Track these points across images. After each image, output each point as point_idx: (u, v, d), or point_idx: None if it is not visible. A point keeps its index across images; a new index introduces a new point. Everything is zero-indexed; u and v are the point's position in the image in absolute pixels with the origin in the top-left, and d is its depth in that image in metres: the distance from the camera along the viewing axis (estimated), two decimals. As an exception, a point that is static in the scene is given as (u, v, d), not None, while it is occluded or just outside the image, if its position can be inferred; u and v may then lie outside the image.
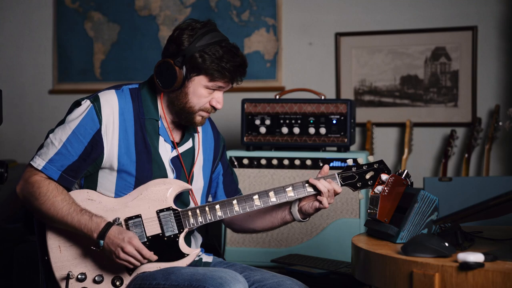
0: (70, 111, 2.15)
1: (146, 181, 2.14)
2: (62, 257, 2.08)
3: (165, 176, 2.17)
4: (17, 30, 4.47)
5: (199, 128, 2.31)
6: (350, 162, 2.21)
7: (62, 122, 2.14)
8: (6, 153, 4.34)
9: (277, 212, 2.27)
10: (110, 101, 2.13)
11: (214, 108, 2.17)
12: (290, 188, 2.18)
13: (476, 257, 1.61)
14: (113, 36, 4.30)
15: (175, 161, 2.20)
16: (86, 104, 2.12)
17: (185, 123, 2.20)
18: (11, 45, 4.49)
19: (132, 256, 2.01)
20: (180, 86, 2.12)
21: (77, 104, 2.14)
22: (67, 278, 2.04)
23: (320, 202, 2.15)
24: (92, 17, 4.33)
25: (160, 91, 2.18)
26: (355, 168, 2.19)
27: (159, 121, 2.18)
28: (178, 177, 2.19)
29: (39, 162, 2.09)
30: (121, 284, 2.07)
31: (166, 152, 2.19)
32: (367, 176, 2.18)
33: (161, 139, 2.18)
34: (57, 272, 2.08)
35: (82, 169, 2.11)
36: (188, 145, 2.25)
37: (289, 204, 2.24)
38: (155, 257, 2.05)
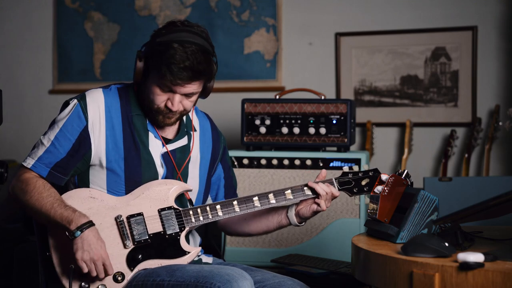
0: (60, 111, 2.19)
1: (136, 176, 2.15)
2: (64, 252, 2.08)
3: (155, 171, 2.18)
4: (17, 30, 4.47)
5: (197, 127, 2.32)
6: (345, 169, 2.26)
7: (52, 123, 2.19)
8: (6, 153, 4.34)
9: (273, 216, 2.28)
10: (96, 99, 2.16)
11: (170, 110, 2.12)
12: (289, 191, 2.21)
13: (476, 257, 1.61)
14: (113, 36, 4.30)
15: (166, 157, 2.21)
16: (73, 103, 2.16)
17: (153, 120, 2.18)
18: (11, 45, 4.49)
19: (97, 267, 2.02)
20: (139, 79, 2.13)
21: (66, 104, 2.19)
22: (70, 271, 2.04)
23: (318, 204, 2.19)
24: (92, 17, 4.33)
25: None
26: (351, 174, 2.24)
27: (147, 118, 2.20)
28: (169, 172, 2.20)
29: (29, 161, 2.13)
30: (123, 279, 2.08)
31: (157, 147, 2.20)
32: (363, 183, 2.22)
33: (150, 134, 2.20)
34: (58, 267, 2.08)
35: (71, 165, 2.13)
36: (182, 142, 2.25)
37: (285, 208, 2.26)
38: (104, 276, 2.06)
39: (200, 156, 2.30)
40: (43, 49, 4.43)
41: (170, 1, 4.21)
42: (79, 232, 2.01)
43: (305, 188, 2.21)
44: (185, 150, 2.26)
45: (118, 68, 4.29)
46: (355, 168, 2.26)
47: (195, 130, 2.31)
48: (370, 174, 2.23)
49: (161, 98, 2.11)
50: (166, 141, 2.22)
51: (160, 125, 2.19)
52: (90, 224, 2.03)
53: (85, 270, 2.01)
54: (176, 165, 2.22)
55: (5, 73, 4.48)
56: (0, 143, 4.40)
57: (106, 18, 4.31)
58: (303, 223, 2.26)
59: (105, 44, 4.31)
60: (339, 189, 2.22)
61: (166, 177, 2.20)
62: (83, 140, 2.13)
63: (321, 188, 2.18)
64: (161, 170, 2.19)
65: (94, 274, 2.02)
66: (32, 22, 4.45)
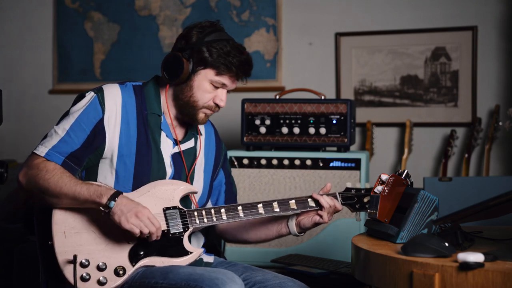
0: (74, 103, 2.19)
1: (144, 173, 2.16)
2: (67, 242, 2.08)
3: (163, 170, 2.19)
4: (17, 30, 4.47)
5: (202, 131, 2.34)
6: (349, 184, 2.30)
7: (66, 114, 2.18)
8: (6, 153, 4.34)
9: (273, 225, 2.31)
10: (113, 93, 2.17)
11: (218, 106, 2.20)
12: (293, 201, 2.24)
13: (476, 257, 1.61)
14: (113, 36, 4.30)
15: (175, 157, 2.23)
16: (90, 95, 2.16)
17: (187, 119, 2.23)
18: (11, 45, 4.49)
19: (143, 222, 2.01)
20: (186, 78, 2.16)
21: (81, 96, 2.18)
22: (74, 260, 2.03)
23: (321, 216, 2.22)
24: (92, 17, 4.33)
25: (165, 86, 2.22)
26: (354, 190, 2.27)
27: (162, 116, 2.22)
28: (177, 173, 2.22)
29: (42, 150, 2.11)
30: (124, 273, 2.08)
31: (167, 147, 2.22)
32: (365, 200, 2.25)
33: (163, 134, 2.21)
34: (60, 256, 2.07)
35: (84, 156, 2.13)
36: (189, 144, 2.27)
37: (286, 217, 2.28)
38: (160, 232, 2.06)
39: (205, 159, 2.33)
40: (43, 49, 4.43)
41: (170, 1, 4.21)
42: (113, 202, 2.01)
43: (309, 199, 2.24)
44: (192, 153, 2.28)
45: (118, 68, 4.29)
46: (358, 184, 2.31)
47: (201, 134, 2.33)
48: None
49: (210, 95, 2.18)
50: (175, 142, 2.24)
51: (199, 123, 2.23)
52: (119, 192, 2.04)
53: (137, 231, 2.01)
54: (186, 166, 2.23)
55: (5, 73, 4.48)
56: (0, 143, 4.40)
57: (106, 18, 4.31)
58: (303, 234, 2.30)
59: (105, 44, 4.31)
60: (342, 204, 2.26)
61: (173, 177, 2.21)
62: (98, 132, 2.13)
63: (325, 200, 2.22)
64: (169, 170, 2.21)
65: (146, 230, 2.02)
66: (32, 22, 4.45)
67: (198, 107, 2.19)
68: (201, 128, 2.35)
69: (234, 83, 2.21)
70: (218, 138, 2.41)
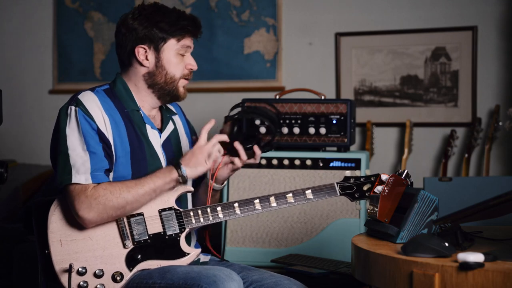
0: (62, 121, 2.14)
1: (141, 168, 2.17)
2: (63, 250, 2.08)
3: (159, 162, 2.21)
4: (17, 30, 4.47)
5: (174, 110, 2.38)
6: (347, 173, 2.26)
7: (60, 135, 2.13)
8: (6, 153, 4.34)
9: (203, 188, 2.35)
10: (91, 100, 2.16)
11: (192, 70, 2.25)
12: (290, 195, 2.22)
13: (476, 257, 1.61)
14: (113, 36, 4.29)
15: (164, 145, 2.25)
16: (73, 111, 2.13)
17: (170, 99, 2.26)
18: (11, 45, 4.49)
19: (209, 152, 2.14)
20: (156, 62, 2.22)
21: (65, 114, 2.14)
22: (69, 269, 2.03)
23: (233, 162, 2.28)
24: (92, 17, 4.33)
25: (132, 81, 2.28)
26: (353, 179, 2.23)
27: (140, 111, 2.23)
28: (169, 162, 2.22)
29: (82, 178, 2.07)
30: (122, 279, 2.08)
31: (156, 138, 2.23)
32: (365, 188, 2.22)
33: (148, 127, 2.23)
34: (57, 265, 2.07)
35: (111, 166, 2.14)
36: (170, 127, 2.30)
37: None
38: (219, 138, 2.18)
39: (186, 135, 2.38)
40: (43, 49, 4.43)
41: (170, 1, 4.21)
42: (183, 168, 2.11)
43: (306, 191, 2.22)
44: (175, 135, 2.31)
45: (118, 68, 4.27)
46: (357, 172, 2.26)
47: (176, 113, 2.38)
48: (372, 179, 2.22)
49: (181, 65, 2.24)
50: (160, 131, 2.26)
51: (181, 98, 2.27)
52: (174, 161, 2.15)
53: (217, 155, 2.17)
54: (175, 151, 2.27)
55: (5, 73, 4.48)
56: (0, 143, 4.40)
57: (106, 18, 4.31)
58: (224, 184, 2.34)
59: (105, 44, 4.31)
60: (340, 194, 2.23)
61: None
62: (104, 138, 2.12)
63: (244, 154, 2.27)
64: (163, 160, 2.22)
65: (216, 153, 2.16)
66: (32, 22, 4.45)
67: (177, 80, 2.23)
68: (171, 106, 2.38)
69: (194, 38, 2.28)
70: (180, 110, 2.46)
